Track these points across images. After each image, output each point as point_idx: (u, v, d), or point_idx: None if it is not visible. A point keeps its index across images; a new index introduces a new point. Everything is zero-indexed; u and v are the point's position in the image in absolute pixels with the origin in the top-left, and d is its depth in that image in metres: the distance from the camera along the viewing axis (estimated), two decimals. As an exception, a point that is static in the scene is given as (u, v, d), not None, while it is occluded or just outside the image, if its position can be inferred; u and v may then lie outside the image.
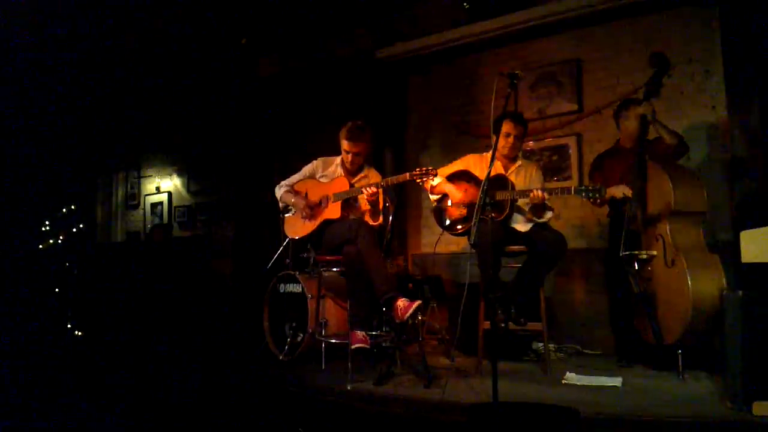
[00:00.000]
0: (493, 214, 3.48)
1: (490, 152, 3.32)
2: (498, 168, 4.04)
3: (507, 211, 3.87)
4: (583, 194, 3.56)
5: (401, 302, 3.55)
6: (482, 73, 5.77)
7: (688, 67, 4.66)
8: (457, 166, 4.18)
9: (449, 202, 4.10)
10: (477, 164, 4.13)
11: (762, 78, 4.00)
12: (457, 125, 5.88)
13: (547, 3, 5.10)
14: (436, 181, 4.08)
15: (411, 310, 3.48)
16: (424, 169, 3.70)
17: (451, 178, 4.11)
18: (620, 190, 3.78)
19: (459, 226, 4.03)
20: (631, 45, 4.95)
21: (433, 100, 6.11)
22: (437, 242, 4.17)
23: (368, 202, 3.93)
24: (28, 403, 3.92)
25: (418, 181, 3.73)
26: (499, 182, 3.92)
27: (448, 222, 4.10)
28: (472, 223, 3.04)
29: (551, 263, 3.79)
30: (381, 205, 4.10)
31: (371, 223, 4.04)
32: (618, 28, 5.05)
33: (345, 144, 4.11)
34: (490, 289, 3.62)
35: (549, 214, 3.93)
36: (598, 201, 3.65)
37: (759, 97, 4.03)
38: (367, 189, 3.84)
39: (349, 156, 4.13)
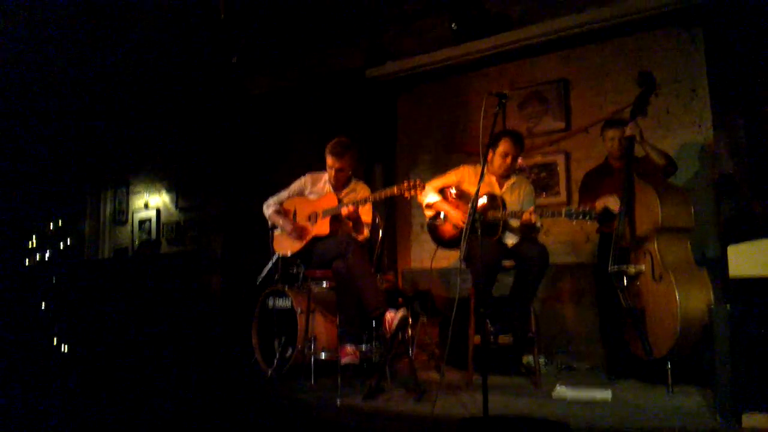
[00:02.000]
0: (487, 238, 3.53)
1: (487, 165, 3.36)
2: (492, 184, 4.07)
3: (499, 233, 3.90)
4: (573, 217, 3.59)
5: (389, 316, 3.56)
6: (471, 92, 5.83)
7: (675, 87, 4.73)
8: (450, 177, 4.20)
9: (443, 216, 4.11)
10: (471, 176, 4.15)
11: (747, 96, 4.07)
12: (447, 143, 5.92)
13: (535, 24, 5.17)
14: (432, 199, 4.11)
15: (396, 320, 3.49)
16: (411, 182, 3.69)
17: (445, 194, 4.14)
18: (605, 201, 3.80)
19: (454, 244, 4.05)
20: (619, 65, 5.03)
21: (423, 118, 6.15)
22: (433, 258, 4.19)
23: (346, 217, 3.94)
24: (15, 420, 3.86)
25: (406, 194, 3.72)
26: (491, 202, 3.95)
27: (443, 239, 4.12)
28: (462, 239, 3.06)
29: (539, 275, 3.83)
30: (369, 218, 4.12)
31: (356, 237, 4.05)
32: (605, 48, 5.12)
33: (329, 160, 4.16)
34: (481, 303, 3.63)
35: (537, 230, 3.98)
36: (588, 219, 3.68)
37: (744, 115, 4.09)
38: (345, 208, 3.86)
39: (333, 171, 4.18)
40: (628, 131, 3.79)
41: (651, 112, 4.16)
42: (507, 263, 3.92)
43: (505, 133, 3.85)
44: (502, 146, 3.95)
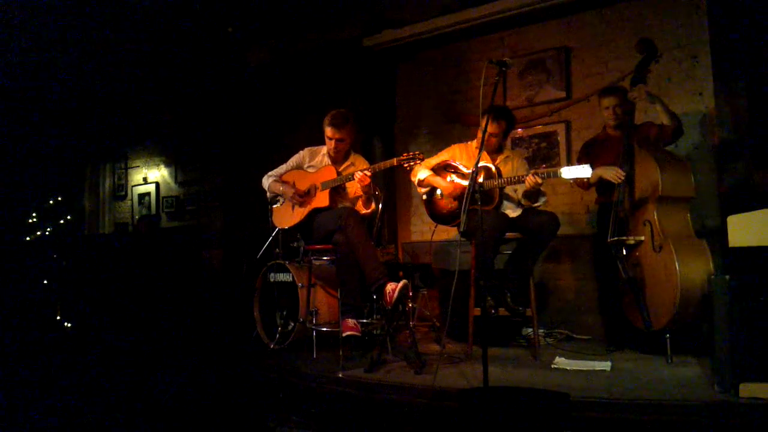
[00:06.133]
0: (484, 208, 3.51)
1: (475, 141, 3.34)
2: (485, 158, 4.05)
3: (497, 201, 3.89)
4: (571, 174, 3.57)
5: (390, 287, 3.56)
6: (471, 61, 5.76)
7: (676, 54, 4.66)
8: (442, 156, 4.20)
9: (439, 193, 4.12)
10: (462, 154, 4.16)
11: (749, 64, 4.02)
12: (446, 113, 5.87)
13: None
14: (424, 174, 4.10)
15: (397, 290, 3.49)
16: (411, 153, 3.70)
17: (437, 170, 4.13)
18: (610, 173, 3.73)
19: (451, 220, 4.05)
20: (620, 32, 4.95)
21: (422, 88, 6.09)
22: (433, 233, 4.19)
23: (362, 188, 3.91)
24: (18, 395, 3.90)
25: (405, 165, 3.73)
26: (485, 172, 3.92)
27: (440, 215, 4.12)
28: (462, 212, 3.05)
29: (545, 243, 3.86)
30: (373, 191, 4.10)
31: (363, 211, 4.04)
32: (607, 15, 5.04)
33: (328, 131, 4.12)
34: (481, 276, 3.63)
35: (543, 200, 3.97)
36: (585, 182, 3.66)
37: (746, 82, 4.04)
38: (359, 173, 3.82)
39: (333, 143, 4.13)
40: (632, 95, 3.75)
41: (652, 80, 4.11)
42: (510, 234, 3.91)
43: (485, 110, 3.74)
44: (482, 123, 3.89)
